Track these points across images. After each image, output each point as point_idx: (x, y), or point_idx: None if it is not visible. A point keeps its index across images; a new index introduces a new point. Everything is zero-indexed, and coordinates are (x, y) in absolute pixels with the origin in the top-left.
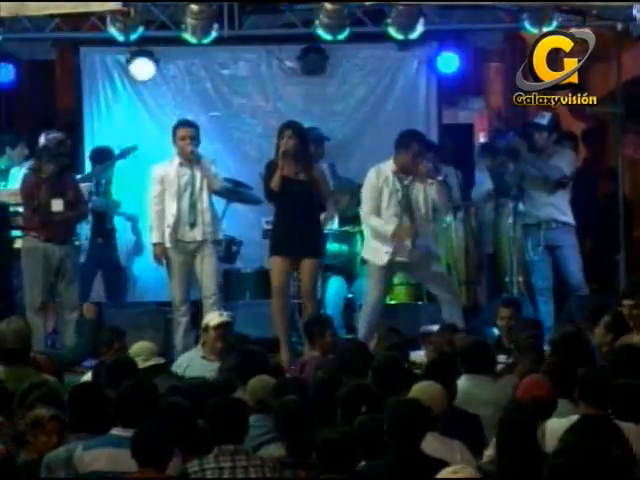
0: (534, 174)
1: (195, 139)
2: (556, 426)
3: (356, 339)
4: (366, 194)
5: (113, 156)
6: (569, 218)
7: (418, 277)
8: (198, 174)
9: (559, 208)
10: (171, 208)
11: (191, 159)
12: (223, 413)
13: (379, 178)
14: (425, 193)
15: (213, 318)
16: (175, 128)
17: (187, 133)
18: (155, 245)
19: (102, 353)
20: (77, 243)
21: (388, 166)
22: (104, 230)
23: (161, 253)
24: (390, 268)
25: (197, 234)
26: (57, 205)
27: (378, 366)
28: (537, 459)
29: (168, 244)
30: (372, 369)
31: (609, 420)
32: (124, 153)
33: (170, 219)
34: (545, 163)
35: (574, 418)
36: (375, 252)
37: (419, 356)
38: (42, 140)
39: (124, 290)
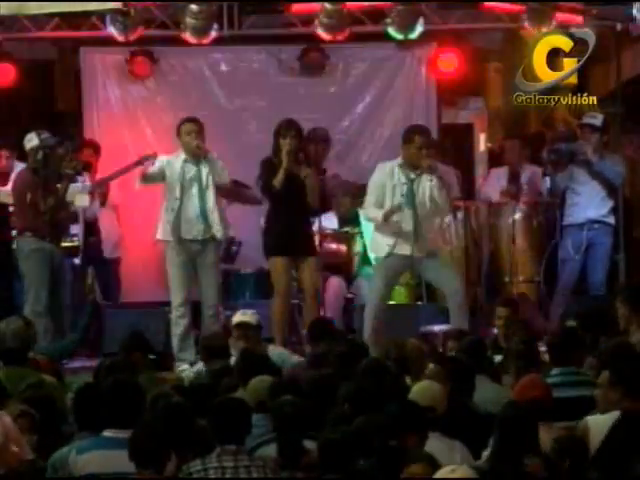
0: (590, 175)
1: (200, 134)
2: (598, 422)
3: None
4: (369, 188)
5: None
6: (611, 219)
7: (424, 273)
8: (204, 170)
9: (604, 209)
10: (173, 203)
11: (198, 153)
12: (226, 413)
13: (384, 172)
14: (430, 189)
15: (236, 317)
16: (180, 125)
17: (193, 127)
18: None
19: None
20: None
21: (396, 161)
22: (95, 228)
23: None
24: (393, 262)
25: (201, 232)
26: (83, 200)
27: (366, 370)
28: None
29: (169, 240)
30: (361, 372)
31: None
32: (143, 160)
33: (170, 214)
34: (607, 166)
35: (616, 414)
36: (377, 245)
37: None
38: (35, 141)
39: (118, 286)
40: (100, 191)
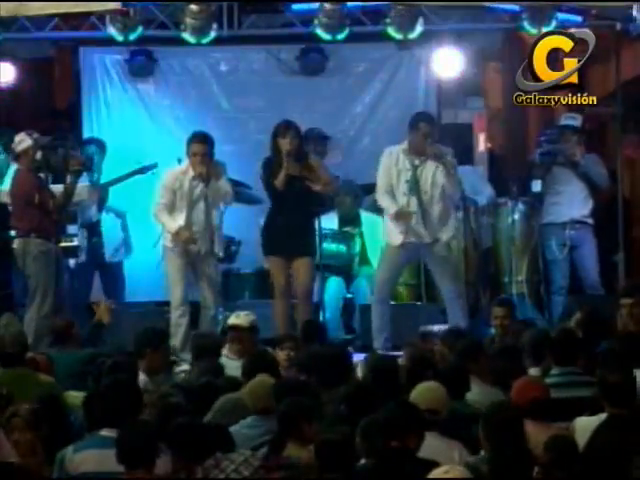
0: (577, 176)
1: (207, 155)
2: (585, 424)
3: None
4: (379, 173)
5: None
6: (591, 220)
7: (428, 261)
8: (210, 191)
9: (586, 209)
10: (179, 218)
11: (203, 179)
12: (187, 436)
13: (391, 157)
14: (434, 176)
15: (230, 319)
16: (189, 142)
17: (199, 150)
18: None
19: (145, 354)
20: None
21: (401, 146)
22: (98, 229)
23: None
24: (403, 250)
25: (204, 248)
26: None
27: (374, 367)
28: (525, 456)
29: (172, 247)
30: (368, 370)
31: (636, 418)
32: (144, 169)
33: (177, 228)
34: (591, 167)
35: (603, 416)
36: (390, 232)
37: None
38: (28, 141)
39: (122, 288)
40: (99, 197)
